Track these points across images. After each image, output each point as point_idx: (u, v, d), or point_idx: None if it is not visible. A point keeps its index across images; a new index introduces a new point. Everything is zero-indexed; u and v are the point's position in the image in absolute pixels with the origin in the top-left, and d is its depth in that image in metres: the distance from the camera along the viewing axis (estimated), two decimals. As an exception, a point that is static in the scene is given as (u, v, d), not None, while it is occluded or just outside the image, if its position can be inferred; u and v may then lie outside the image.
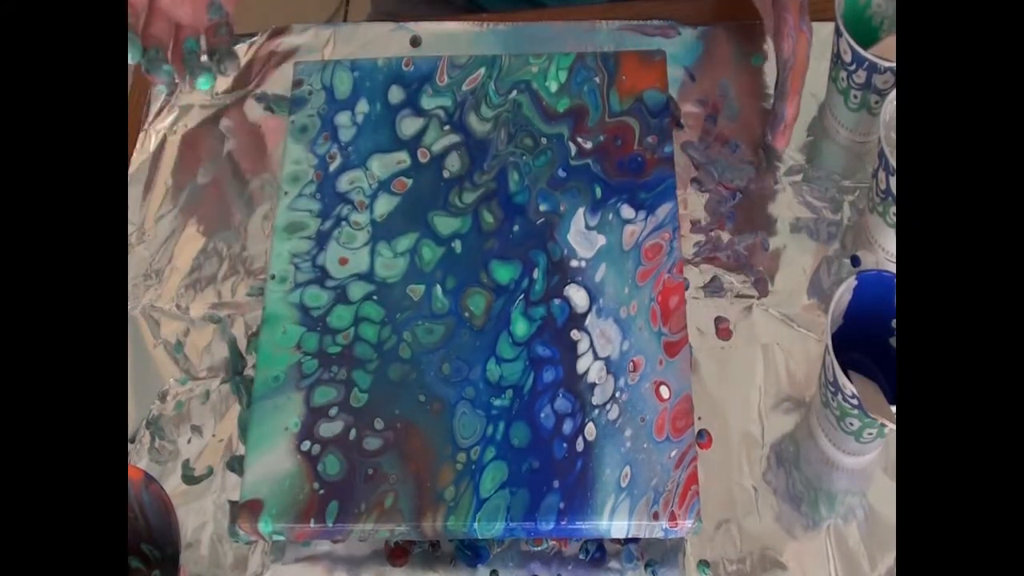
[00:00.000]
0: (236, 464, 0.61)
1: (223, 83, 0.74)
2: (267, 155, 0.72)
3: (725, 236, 0.67)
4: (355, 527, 0.56)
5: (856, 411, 0.55)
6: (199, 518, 0.60)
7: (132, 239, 0.69)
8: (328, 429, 0.58)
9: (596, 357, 0.59)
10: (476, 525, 0.55)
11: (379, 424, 0.58)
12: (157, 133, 0.73)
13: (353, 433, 0.58)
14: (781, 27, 0.66)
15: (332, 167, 0.66)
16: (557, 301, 0.61)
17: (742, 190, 0.69)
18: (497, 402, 0.58)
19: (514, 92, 0.68)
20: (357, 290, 0.62)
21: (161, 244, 0.69)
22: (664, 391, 0.58)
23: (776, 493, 0.60)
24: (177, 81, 0.65)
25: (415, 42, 0.75)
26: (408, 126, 0.67)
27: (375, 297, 0.62)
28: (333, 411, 0.58)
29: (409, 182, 0.65)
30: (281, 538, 0.57)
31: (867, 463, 0.60)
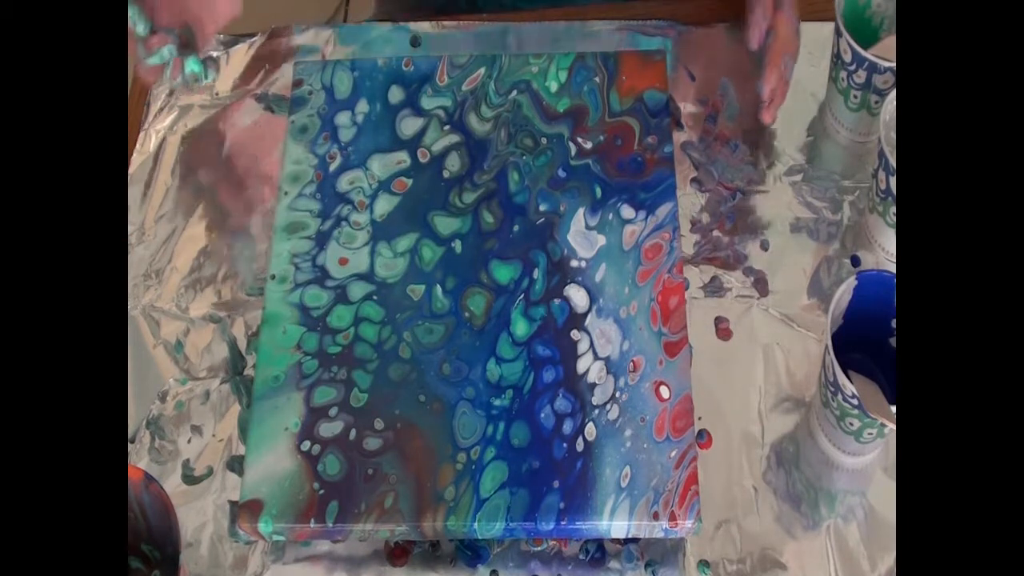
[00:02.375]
0: (236, 464, 0.61)
1: (223, 83, 0.74)
2: (267, 155, 0.72)
3: (725, 236, 0.67)
4: (355, 527, 0.56)
5: (856, 411, 0.55)
6: (199, 518, 0.60)
7: (132, 239, 0.69)
8: (328, 429, 0.58)
9: (596, 357, 0.59)
10: (476, 525, 0.55)
11: (379, 424, 0.58)
12: (157, 133, 0.73)
13: (353, 433, 0.58)
14: (748, 16, 0.68)
15: (332, 167, 0.66)
16: (557, 301, 0.61)
17: (742, 190, 0.69)
18: (497, 402, 0.58)
19: (514, 92, 0.68)
20: (357, 290, 0.62)
21: (161, 244, 0.69)
22: (664, 391, 0.58)
23: (776, 493, 0.60)
24: (170, 68, 0.63)
25: (415, 42, 0.75)
26: (408, 126, 0.67)
27: (375, 297, 0.62)
28: (333, 411, 0.58)
29: (409, 182, 0.65)
30: (281, 538, 0.57)
31: (867, 463, 0.60)
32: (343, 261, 0.63)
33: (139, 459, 0.62)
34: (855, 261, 0.66)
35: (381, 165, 0.66)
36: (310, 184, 0.65)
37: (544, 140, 0.66)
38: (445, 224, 0.64)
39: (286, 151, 0.67)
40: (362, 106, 0.68)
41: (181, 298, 0.67)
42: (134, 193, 0.71)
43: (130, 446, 0.62)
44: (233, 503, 0.60)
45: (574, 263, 0.62)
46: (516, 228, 0.63)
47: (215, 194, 0.70)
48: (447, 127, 0.67)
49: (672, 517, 0.55)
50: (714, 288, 0.66)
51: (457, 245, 0.63)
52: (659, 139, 0.66)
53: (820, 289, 0.65)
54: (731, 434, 0.61)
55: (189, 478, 0.62)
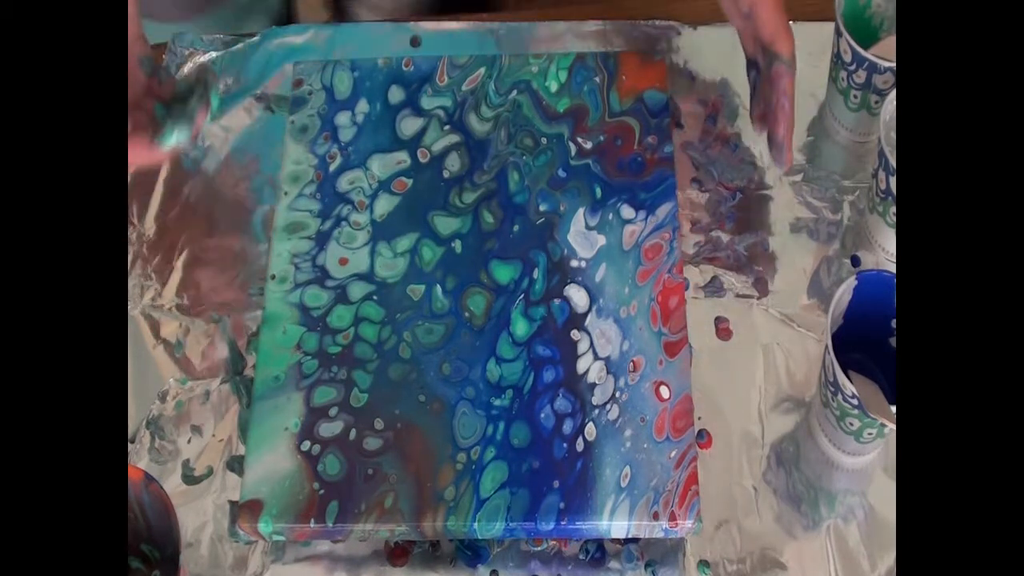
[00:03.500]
0: (236, 464, 0.61)
1: (223, 83, 0.74)
2: (267, 155, 0.71)
3: (725, 236, 0.67)
4: (355, 527, 0.56)
5: (856, 411, 0.55)
6: (199, 518, 0.60)
7: (132, 239, 0.69)
8: (328, 429, 0.58)
9: (596, 357, 0.59)
10: (476, 525, 0.55)
11: (379, 424, 0.58)
12: (157, 133, 0.73)
13: (353, 433, 0.58)
14: (774, 103, 0.60)
15: (332, 167, 0.66)
16: (557, 301, 0.61)
17: (742, 190, 0.69)
18: (497, 402, 0.58)
19: (514, 92, 0.68)
20: (357, 290, 0.62)
21: (161, 244, 0.69)
22: (664, 391, 0.58)
23: (776, 493, 0.60)
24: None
25: (415, 42, 0.75)
26: (408, 126, 0.67)
27: (375, 297, 0.62)
28: (333, 411, 0.58)
29: (409, 182, 0.65)
30: (281, 538, 0.57)
31: (867, 463, 0.60)
32: (343, 261, 0.63)
33: (139, 459, 0.62)
34: (855, 261, 0.66)
35: (381, 165, 0.66)
36: (310, 184, 0.65)
37: (544, 140, 0.66)
38: (445, 224, 0.64)
39: (286, 151, 0.67)
40: (362, 106, 0.68)
41: (181, 298, 0.67)
42: (134, 193, 0.71)
43: (130, 446, 0.62)
44: (233, 503, 0.60)
45: (574, 263, 0.62)
46: (516, 228, 0.63)
47: (215, 194, 0.70)
48: (447, 127, 0.67)
49: (672, 517, 0.55)
50: (714, 288, 0.66)
51: (457, 245, 0.63)
52: (659, 139, 0.66)
53: (820, 289, 0.65)
54: (731, 434, 0.61)
55: (189, 478, 0.62)
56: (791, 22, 0.74)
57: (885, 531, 0.58)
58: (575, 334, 0.60)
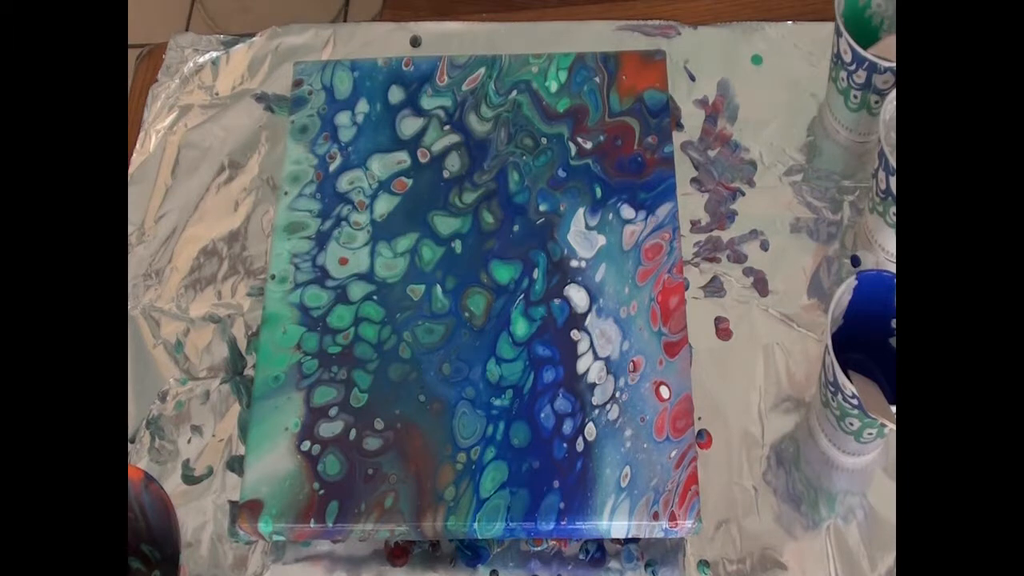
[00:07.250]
0: (236, 464, 0.61)
1: (223, 83, 0.74)
2: (266, 155, 0.72)
3: (725, 236, 0.67)
4: (355, 527, 0.56)
5: (856, 411, 0.55)
6: (199, 518, 0.60)
7: (132, 239, 0.69)
8: (328, 429, 0.58)
9: (596, 357, 0.59)
10: (476, 525, 0.55)
11: (379, 424, 0.58)
12: (157, 133, 0.73)
13: (353, 433, 0.58)
14: None
15: (332, 167, 0.66)
16: (557, 301, 0.61)
17: (742, 190, 0.69)
18: (497, 402, 0.58)
19: (514, 92, 0.68)
20: (357, 290, 0.62)
21: (161, 244, 0.69)
22: (664, 391, 0.58)
23: (776, 493, 0.60)
24: None
25: (415, 42, 0.75)
26: (408, 126, 0.67)
27: (375, 297, 0.62)
28: (333, 411, 0.58)
29: (409, 182, 0.65)
30: (281, 538, 0.57)
31: (867, 463, 0.60)
32: (343, 261, 0.63)
33: (139, 459, 0.62)
34: (855, 261, 0.66)
35: (381, 165, 0.66)
36: (310, 184, 0.65)
37: (544, 140, 0.66)
38: (445, 224, 0.64)
39: (286, 151, 0.67)
40: (362, 106, 0.68)
41: (181, 298, 0.67)
42: (134, 193, 0.71)
43: (130, 446, 0.62)
44: (233, 503, 0.60)
45: (574, 263, 0.62)
46: (516, 228, 0.63)
47: (215, 194, 0.70)
48: (447, 127, 0.67)
49: (672, 517, 0.55)
50: (714, 288, 0.66)
51: (457, 245, 0.63)
52: (659, 139, 0.66)
53: (820, 289, 0.65)
54: (731, 434, 0.61)
55: (189, 478, 0.62)
56: (791, 22, 0.74)
57: (885, 531, 0.58)
58: (575, 334, 0.60)
